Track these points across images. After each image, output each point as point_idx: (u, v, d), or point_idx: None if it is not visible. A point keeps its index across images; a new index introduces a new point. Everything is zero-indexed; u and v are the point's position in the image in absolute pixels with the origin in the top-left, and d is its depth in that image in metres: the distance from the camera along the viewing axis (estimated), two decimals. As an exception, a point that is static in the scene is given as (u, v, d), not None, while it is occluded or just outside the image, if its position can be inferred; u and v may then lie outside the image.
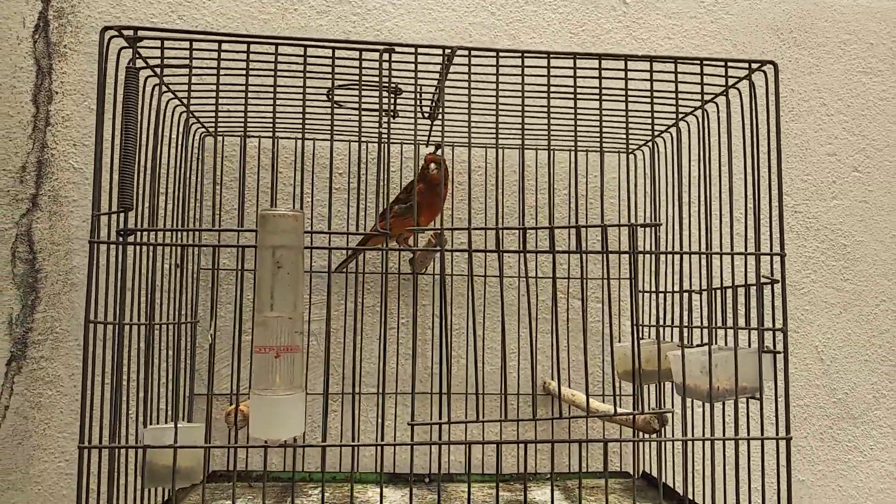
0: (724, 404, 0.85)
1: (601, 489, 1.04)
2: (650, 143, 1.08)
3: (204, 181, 1.06)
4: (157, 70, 0.77)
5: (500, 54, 0.76)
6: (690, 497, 0.94)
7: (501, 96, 0.80)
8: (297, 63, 0.74)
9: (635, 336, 0.70)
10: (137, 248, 0.77)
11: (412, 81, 0.88)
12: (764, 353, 0.76)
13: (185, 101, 0.92)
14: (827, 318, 1.22)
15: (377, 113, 1.02)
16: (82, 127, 1.11)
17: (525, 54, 0.77)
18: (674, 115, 0.96)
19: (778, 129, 0.79)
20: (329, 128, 1.01)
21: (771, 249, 0.76)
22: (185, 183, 0.98)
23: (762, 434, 0.76)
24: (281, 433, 0.64)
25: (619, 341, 1.12)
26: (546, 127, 1.01)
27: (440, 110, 0.98)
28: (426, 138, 1.09)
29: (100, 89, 0.70)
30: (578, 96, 0.80)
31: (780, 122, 0.77)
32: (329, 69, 0.74)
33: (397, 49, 0.72)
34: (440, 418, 0.68)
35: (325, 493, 0.99)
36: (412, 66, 0.77)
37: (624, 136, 0.99)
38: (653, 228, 0.82)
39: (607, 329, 1.13)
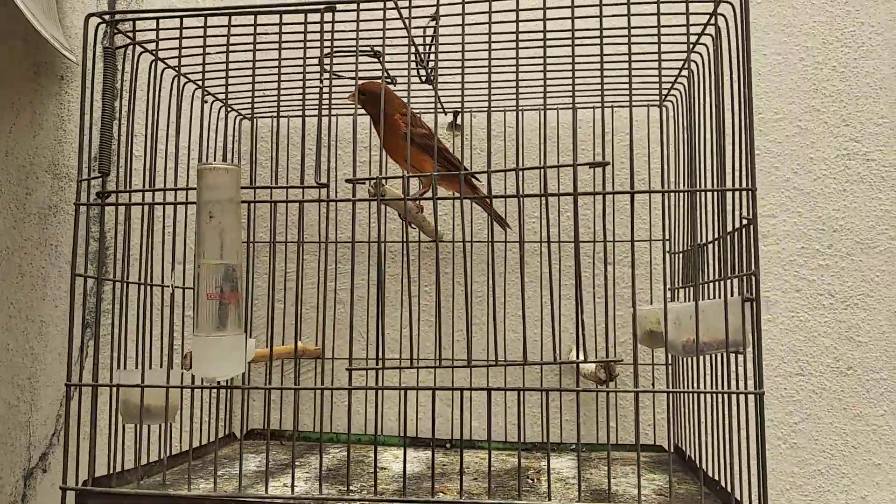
0: (710, 357, 0.77)
1: (624, 461, 0.98)
2: (660, 95, 1.01)
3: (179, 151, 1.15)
4: (147, 46, 0.85)
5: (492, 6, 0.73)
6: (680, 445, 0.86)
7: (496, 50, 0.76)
8: (274, 32, 0.78)
9: (579, 293, 0.66)
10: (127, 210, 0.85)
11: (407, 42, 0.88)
12: (733, 303, 0.69)
13: (174, 69, 1.00)
14: (909, 280, 1.06)
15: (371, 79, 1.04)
16: (142, 118, 1.23)
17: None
18: (675, 73, 0.89)
19: (748, 61, 0.70)
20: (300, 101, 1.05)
21: (742, 185, 0.68)
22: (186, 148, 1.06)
23: (750, 387, 0.69)
24: (217, 373, 0.68)
25: (649, 304, 1.05)
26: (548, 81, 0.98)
27: (435, 73, 0.98)
28: (439, 106, 1.09)
29: (84, 68, 0.79)
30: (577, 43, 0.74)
31: (751, 56, 0.68)
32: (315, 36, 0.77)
33: (339, 7, 0.74)
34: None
35: (348, 452, 1.03)
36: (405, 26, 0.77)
37: (631, 88, 0.93)
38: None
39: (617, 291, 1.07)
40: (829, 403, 1.05)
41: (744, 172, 0.68)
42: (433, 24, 0.91)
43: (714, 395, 0.70)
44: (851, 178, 1.08)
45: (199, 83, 0.99)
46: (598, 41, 0.72)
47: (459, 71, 0.95)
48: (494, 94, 1.06)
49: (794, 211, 1.09)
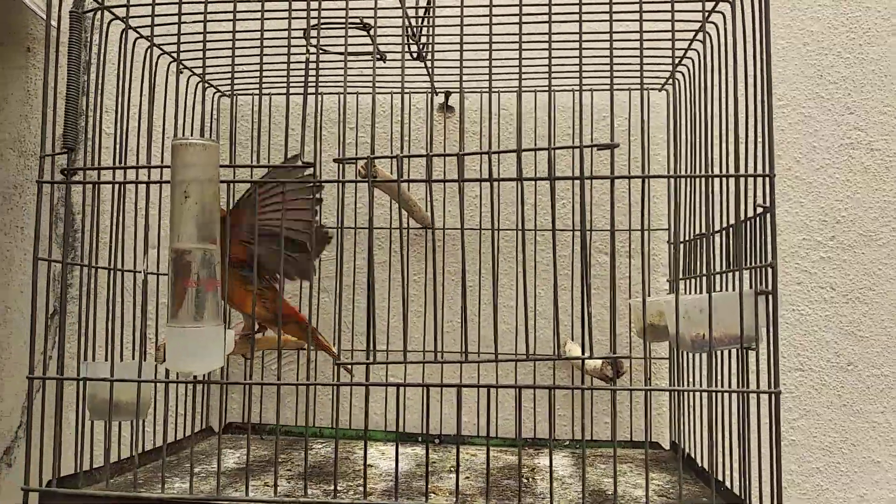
0: (721, 353, 0.73)
1: (621, 459, 0.95)
2: (671, 79, 0.96)
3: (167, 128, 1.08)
4: (122, 14, 0.79)
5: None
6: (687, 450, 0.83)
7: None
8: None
9: (587, 284, 0.62)
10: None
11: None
12: (750, 297, 0.65)
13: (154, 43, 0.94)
14: (912, 274, 1.03)
15: (363, 58, 0.98)
16: (113, 94, 1.16)
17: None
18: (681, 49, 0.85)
19: (767, 45, 0.65)
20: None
21: (763, 170, 0.64)
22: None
23: (768, 386, 0.65)
24: (193, 367, 0.63)
25: (649, 296, 1.01)
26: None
27: (428, 47, 0.93)
28: (429, 85, 1.04)
29: (48, 34, 0.73)
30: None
31: (770, 38, 0.64)
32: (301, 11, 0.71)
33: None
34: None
35: (333, 448, 0.98)
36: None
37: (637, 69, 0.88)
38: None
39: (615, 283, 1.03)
40: (829, 400, 1.02)
41: (760, 158, 0.64)
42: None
43: (726, 394, 0.66)
44: (855, 167, 1.05)
45: (174, 56, 0.93)
46: (606, 16, 0.67)
47: (451, 48, 0.91)
48: (487, 75, 1.01)
49: (796, 201, 1.05)
